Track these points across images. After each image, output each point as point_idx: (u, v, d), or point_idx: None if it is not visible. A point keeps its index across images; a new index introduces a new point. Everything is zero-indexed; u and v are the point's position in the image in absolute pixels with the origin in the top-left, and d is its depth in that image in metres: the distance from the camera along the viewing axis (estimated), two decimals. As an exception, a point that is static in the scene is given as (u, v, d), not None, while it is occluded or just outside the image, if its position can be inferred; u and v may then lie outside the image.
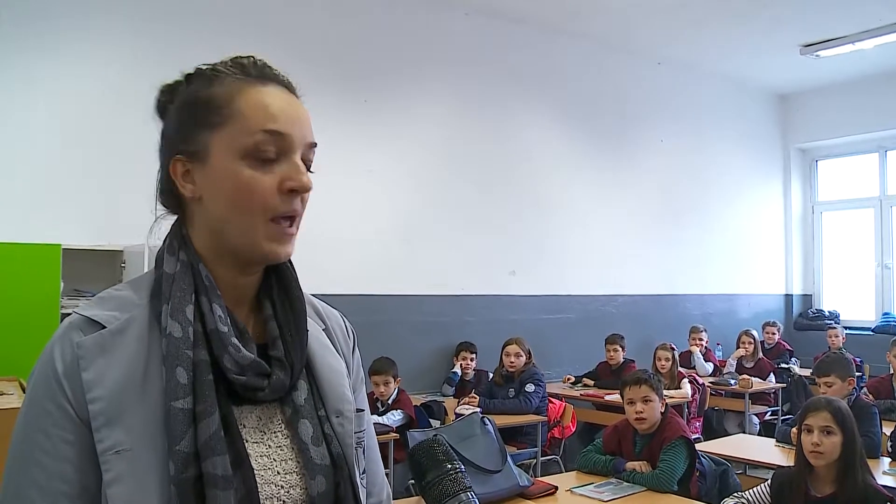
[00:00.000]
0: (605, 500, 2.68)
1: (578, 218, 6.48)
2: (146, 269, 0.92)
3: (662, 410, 3.09)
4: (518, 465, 2.92)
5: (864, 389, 4.72)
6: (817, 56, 6.83)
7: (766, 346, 6.81)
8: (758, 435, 5.38)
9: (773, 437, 3.89)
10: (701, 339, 6.60)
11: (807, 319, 8.20)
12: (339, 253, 5.03)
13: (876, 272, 7.93)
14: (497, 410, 4.47)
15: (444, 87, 5.76)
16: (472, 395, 4.70)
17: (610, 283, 6.66)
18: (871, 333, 7.46)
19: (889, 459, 3.34)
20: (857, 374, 4.81)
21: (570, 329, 6.30)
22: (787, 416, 5.59)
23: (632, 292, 6.82)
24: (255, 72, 0.89)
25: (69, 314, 0.87)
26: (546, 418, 4.67)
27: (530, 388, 4.61)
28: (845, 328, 7.13)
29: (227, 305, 0.88)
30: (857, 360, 5.98)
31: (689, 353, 6.50)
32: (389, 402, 4.22)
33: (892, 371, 4.82)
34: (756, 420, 5.97)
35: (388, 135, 5.43)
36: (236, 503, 0.79)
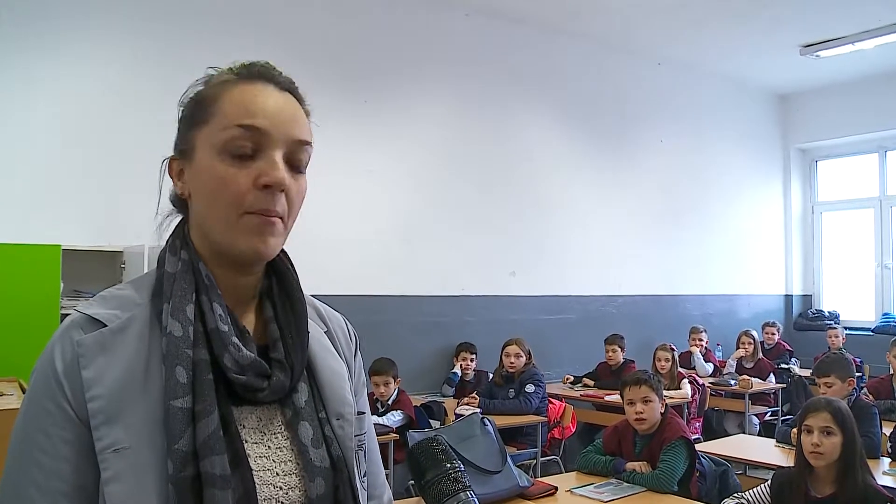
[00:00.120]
0: (605, 500, 2.68)
1: (578, 218, 6.48)
2: (146, 270, 0.93)
3: (662, 411, 3.09)
4: (518, 466, 2.92)
5: (864, 390, 4.72)
6: (817, 56, 6.83)
7: (765, 346, 6.81)
8: (758, 435, 5.38)
9: (773, 438, 3.89)
10: (701, 340, 6.60)
11: (807, 320, 8.20)
12: (340, 253, 5.03)
13: (876, 272, 7.93)
14: (497, 411, 4.47)
15: (444, 87, 5.76)
16: (472, 395, 4.71)
17: (610, 284, 6.66)
18: (871, 334, 7.46)
19: (889, 460, 3.34)
20: (857, 374, 4.81)
21: (570, 329, 6.30)
22: (787, 417, 5.59)
23: (632, 292, 6.82)
24: (245, 72, 0.89)
25: (69, 315, 0.87)
26: (546, 419, 4.66)
27: (530, 388, 4.61)
28: (845, 328, 7.13)
29: (228, 305, 0.88)
30: (857, 360, 5.98)
31: (689, 353, 6.50)
32: (389, 402, 4.22)
33: (892, 371, 4.82)
34: (756, 420, 5.97)
35: (388, 135, 5.43)
36: (234, 503, 0.79)
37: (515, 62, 6.11)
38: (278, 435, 0.88)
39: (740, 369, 6.24)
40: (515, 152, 6.10)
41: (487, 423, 2.87)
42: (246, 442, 0.85)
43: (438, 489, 1.01)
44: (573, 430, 4.93)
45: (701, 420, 5.53)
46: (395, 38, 5.48)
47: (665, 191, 7.17)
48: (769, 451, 3.62)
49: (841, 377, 3.63)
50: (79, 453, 0.79)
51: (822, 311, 8.23)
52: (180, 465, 0.77)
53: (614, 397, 4.52)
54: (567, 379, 5.84)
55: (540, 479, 2.95)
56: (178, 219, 0.94)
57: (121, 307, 0.86)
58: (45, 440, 0.79)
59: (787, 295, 8.36)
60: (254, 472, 0.83)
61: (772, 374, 6.18)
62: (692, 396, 5.28)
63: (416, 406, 4.36)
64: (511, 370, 4.76)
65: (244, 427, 0.86)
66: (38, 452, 0.79)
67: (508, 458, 2.74)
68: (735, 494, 2.81)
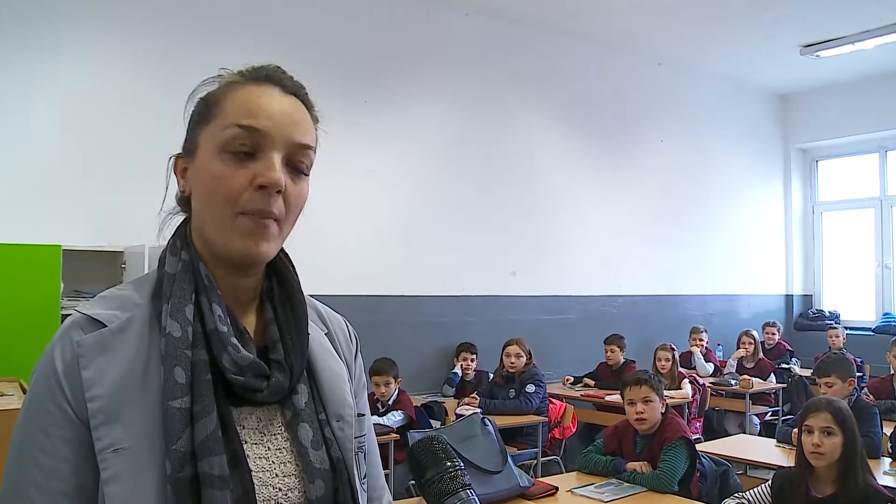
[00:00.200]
0: (606, 500, 2.68)
1: (578, 218, 6.48)
2: (146, 270, 0.93)
3: (663, 411, 3.09)
4: (518, 466, 2.92)
5: (865, 390, 4.72)
6: (817, 56, 6.83)
7: (766, 346, 6.81)
8: (758, 435, 5.38)
9: (773, 438, 3.89)
10: (701, 340, 6.60)
11: (807, 320, 8.20)
12: (340, 253, 5.03)
13: (876, 272, 7.93)
14: (497, 411, 4.47)
15: (444, 88, 5.76)
16: (473, 395, 4.71)
17: (610, 284, 6.65)
18: (872, 334, 7.46)
19: (889, 460, 3.34)
20: (858, 374, 4.80)
21: (570, 329, 6.29)
22: (788, 417, 5.59)
23: (632, 292, 6.82)
24: (253, 74, 0.90)
25: (69, 315, 0.87)
26: (546, 419, 4.66)
27: (531, 388, 4.61)
28: (846, 328, 7.13)
29: (228, 306, 0.88)
30: (858, 360, 5.98)
31: (690, 353, 6.50)
32: (390, 402, 4.22)
33: (892, 371, 4.82)
34: (756, 420, 5.97)
35: (388, 135, 5.43)
36: (233, 503, 0.79)
37: (515, 62, 6.11)
38: (278, 436, 0.88)
39: (741, 369, 6.24)
40: (515, 152, 6.10)
41: (488, 423, 2.87)
42: (245, 443, 0.85)
43: (439, 487, 1.01)
44: (574, 431, 4.92)
45: (701, 420, 5.53)
46: (395, 38, 5.48)
47: (665, 191, 7.17)
48: (770, 451, 3.61)
49: (841, 377, 3.63)
50: (79, 453, 0.79)
51: (822, 311, 8.23)
52: (178, 465, 0.77)
53: (615, 397, 4.53)
54: (567, 380, 5.84)
55: (540, 480, 2.95)
56: (181, 219, 0.94)
57: (121, 307, 0.86)
58: (45, 440, 0.79)
59: (787, 295, 8.36)
60: (253, 473, 0.83)
61: (772, 374, 6.18)
62: (693, 396, 5.28)
63: (416, 406, 4.36)
64: (511, 370, 4.76)
65: (244, 428, 0.86)
66: (38, 452, 0.79)
67: (509, 459, 2.74)
68: (735, 494, 2.81)
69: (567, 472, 4.05)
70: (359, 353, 1.07)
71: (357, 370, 1.05)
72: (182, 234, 0.91)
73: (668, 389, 4.71)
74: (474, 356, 5.38)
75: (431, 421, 4.38)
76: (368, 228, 5.26)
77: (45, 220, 3.93)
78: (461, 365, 5.36)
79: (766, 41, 6.65)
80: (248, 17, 4.77)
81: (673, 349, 5.47)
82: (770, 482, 2.67)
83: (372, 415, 3.94)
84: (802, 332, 8.06)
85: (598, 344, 5.87)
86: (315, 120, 0.93)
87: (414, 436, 2.87)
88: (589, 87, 6.63)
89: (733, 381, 5.77)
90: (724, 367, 6.42)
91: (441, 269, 5.61)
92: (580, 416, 5.06)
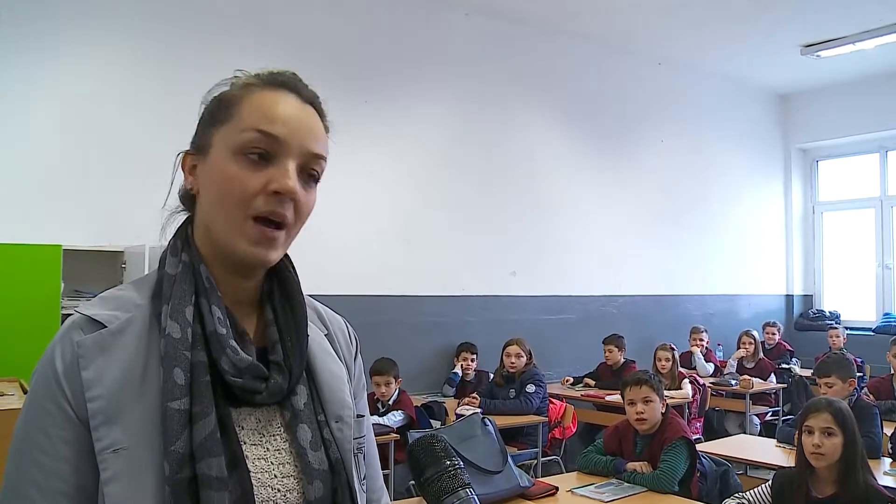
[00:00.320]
0: (606, 500, 2.68)
1: (578, 218, 6.48)
2: (147, 270, 0.93)
3: (663, 411, 3.09)
4: (519, 466, 2.91)
5: (865, 389, 4.71)
6: (818, 56, 6.83)
7: (766, 346, 6.81)
8: (758, 435, 5.38)
9: (773, 438, 3.89)
10: (701, 340, 6.60)
11: (807, 320, 8.19)
12: (340, 253, 5.03)
13: (877, 272, 7.93)
14: (498, 411, 4.47)
15: (444, 87, 5.76)
16: (473, 395, 4.70)
17: (610, 284, 6.65)
18: (872, 334, 7.45)
19: (890, 460, 3.34)
20: (858, 374, 4.80)
21: (570, 329, 6.29)
22: (788, 417, 5.58)
23: (632, 292, 6.82)
24: (271, 78, 0.91)
25: (70, 315, 0.87)
26: (547, 419, 4.66)
27: (531, 388, 4.61)
28: (846, 328, 7.13)
29: (228, 307, 0.88)
30: (858, 360, 5.98)
31: (690, 353, 6.50)
32: (390, 402, 4.22)
33: (892, 371, 4.82)
34: (757, 420, 5.97)
35: (388, 135, 5.43)
36: None
37: (515, 62, 6.11)
38: (277, 437, 0.88)
39: (741, 369, 6.24)
40: (515, 152, 6.10)
41: (488, 423, 2.87)
42: (244, 443, 0.85)
43: (438, 486, 1.01)
44: (574, 431, 4.92)
45: (702, 420, 5.53)
46: (395, 38, 5.48)
47: (665, 191, 7.17)
48: (770, 452, 3.61)
49: (842, 377, 3.63)
50: (79, 453, 0.79)
51: (822, 311, 8.23)
52: (177, 466, 0.77)
53: (615, 397, 4.52)
54: (566, 381, 5.84)
55: (541, 480, 2.95)
56: (182, 218, 0.94)
57: (120, 308, 0.86)
58: (46, 440, 0.79)
59: (787, 295, 8.36)
60: (252, 474, 0.83)
61: (772, 375, 6.18)
62: (693, 396, 5.28)
63: (416, 406, 4.36)
64: (512, 370, 4.76)
65: (243, 428, 0.86)
66: (38, 452, 0.79)
67: (509, 459, 2.74)
68: (736, 494, 2.81)
69: (567, 472, 4.06)
70: (358, 354, 1.07)
71: (357, 371, 1.05)
72: (183, 234, 0.91)
73: (669, 389, 4.71)
74: (474, 356, 5.38)
75: (432, 421, 4.38)
76: (368, 228, 5.26)
77: (46, 220, 3.93)
78: (461, 365, 5.35)
79: (766, 41, 6.65)
80: (248, 17, 4.77)
81: (673, 349, 5.47)
82: (770, 482, 2.67)
83: (372, 415, 3.95)
84: (803, 333, 8.06)
85: (598, 344, 5.87)
86: (327, 129, 0.95)
87: (414, 436, 2.87)
88: (589, 87, 6.63)
89: (733, 382, 5.77)
90: (725, 367, 6.41)
91: (441, 269, 5.60)
92: (580, 416, 5.06)
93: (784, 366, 6.54)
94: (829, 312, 8.15)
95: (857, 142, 8.00)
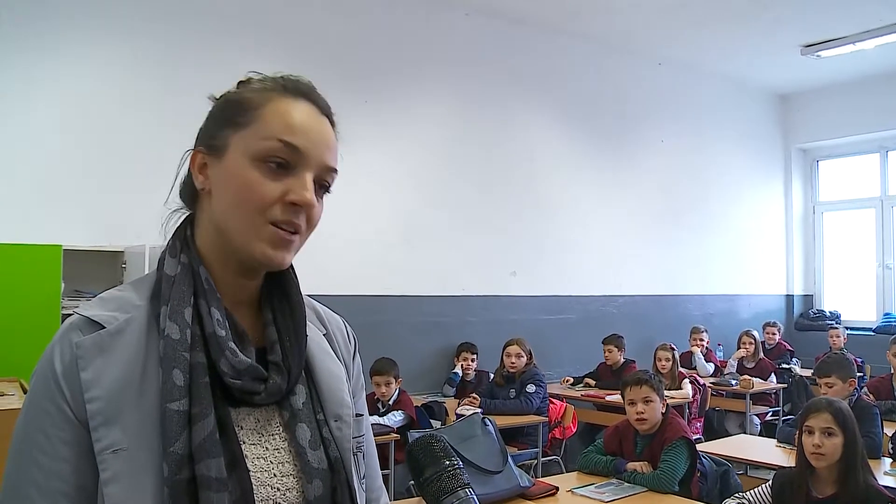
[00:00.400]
0: (606, 500, 2.68)
1: (578, 218, 6.48)
2: (147, 270, 0.93)
3: (663, 411, 3.09)
4: (519, 466, 2.91)
5: (865, 389, 4.71)
6: (818, 56, 6.83)
7: (766, 346, 6.81)
8: (759, 435, 5.38)
9: (774, 438, 3.89)
10: (702, 340, 6.60)
11: (808, 320, 8.19)
12: (340, 253, 5.02)
13: (877, 272, 7.93)
14: (498, 411, 4.47)
15: (444, 87, 5.76)
16: (473, 395, 4.70)
17: (610, 284, 6.65)
18: (872, 334, 7.45)
19: (890, 460, 3.33)
20: (859, 374, 4.81)
21: (570, 329, 6.29)
22: (788, 417, 5.58)
23: (632, 292, 6.82)
24: (290, 86, 0.92)
25: (70, 315, 0.87)
26: (547, 419, 4.66)
27: (531, 388, 4.61)
28: (846, 328, 7.13)
29: (227, 308, 0.88)
30: (859, 360, 5.98)
31: (690, 353, 6.50)
32: (390, 402, 4.22)
33: (892, 371, 4.82)
34: (757, 420, 5.97)
35: (388, 135, 5.43)
36: None
37: (515, 62, 6.11)
38: (276, 436, 0.89)
39: (741, 369, 6.24)
40: (515, 152, 6.10)
41: (488, 423, 2.87)
42: (244, 443, 0.85)
43: (437, 486, 1.01)
44: (574, 431, 4.93)
45: (702, 420, 5.53)
46: (395, 38, 5.48)
47: (665, 191, 7.17)
48: (770, 452, 3.61)
49: (842, 377, 3.62)
50: (78, 454, 0.79)
51: (823, 311, 8.23)
52: (176, 467, 0.78)
53: (615, 397, 4.53)
54: (566, 381, 5.84)
55: (541, 480, 2.95)
56: (182, 219, 0.94)
57: (120, 309, 0.86)
58: (45, 441, 0.80)
59: (788, 295, 8.36)
60: (251, 474, 0.83)
61: (773, 375, 6.18)
62: (693, 396, 5.28)
63: (417, 406, 4.36)
64: (512, 370, 4.76)
65: (242, 428, 0.86)
66: (37, 453, 0.80)
67: (509, 459, 2.74)
68: (736, 494, 2.81)
69: (567, 472, 4.06)
70: (357, 354, 1.07)
71: (355, 370, 1.05)
72: (181, 235, 0.91)
73: (669, 389, 4.71)
74: (475, 356, 5.38)
75: (432, 421, 4.38)
76: (368, 228, 5.26)
77: (46, 220, 3.93)
78: (461, 365, 5.35)
79: (766, 41, 6.65)
80: (248, 17, 4.77)
81: (673, 349, 5.47)
82: (770, 482, 2.67)
83: (372, 415, 3.95)
84: (803, 333, 8.06)
85: (598, 344, 5.87)
86: (337, 140, 0.95)
87: (414, 436, 2.87)
88: (589, 87, 6.63)
89: (734, 382, 5.76)
90: (725, 367, 6.41)
91: (441, 269, 5.60)
92: (580, 416, 5.06)
93: (784, 366, 6.54)
94: (830, 312, 8.15)
95: (858, 142, 8.00)
